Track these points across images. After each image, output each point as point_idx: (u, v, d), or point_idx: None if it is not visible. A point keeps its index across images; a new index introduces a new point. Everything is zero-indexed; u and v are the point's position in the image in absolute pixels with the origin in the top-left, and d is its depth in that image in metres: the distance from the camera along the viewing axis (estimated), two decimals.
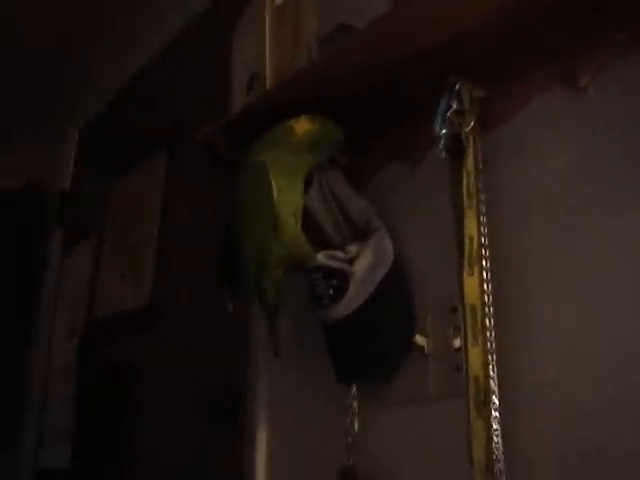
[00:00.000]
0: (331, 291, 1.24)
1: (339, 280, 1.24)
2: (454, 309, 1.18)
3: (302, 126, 1.31)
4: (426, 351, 1.24)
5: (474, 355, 1.07)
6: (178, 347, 1.94)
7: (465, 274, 1.11)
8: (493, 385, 1.05)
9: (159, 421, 1.95)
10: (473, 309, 1.09)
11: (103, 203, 2.58)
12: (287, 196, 1.25)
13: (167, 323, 2.02)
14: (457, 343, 1.16)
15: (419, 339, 1.24)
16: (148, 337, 2.08)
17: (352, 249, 1.28)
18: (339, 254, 1.27)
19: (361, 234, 1.32)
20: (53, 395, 2.57)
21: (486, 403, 1.04)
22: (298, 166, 1.29)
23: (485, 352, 1.06)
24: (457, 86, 1.16)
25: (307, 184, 1.33)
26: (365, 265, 1.26)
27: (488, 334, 1.07)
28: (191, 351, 1.88)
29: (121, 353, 2.19)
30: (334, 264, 1.25)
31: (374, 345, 1.26)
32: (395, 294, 1.28)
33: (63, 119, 3.14)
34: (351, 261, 1.26)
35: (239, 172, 1.32)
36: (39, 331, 2.78)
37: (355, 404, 1.34)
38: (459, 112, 1.16)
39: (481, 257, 1.11)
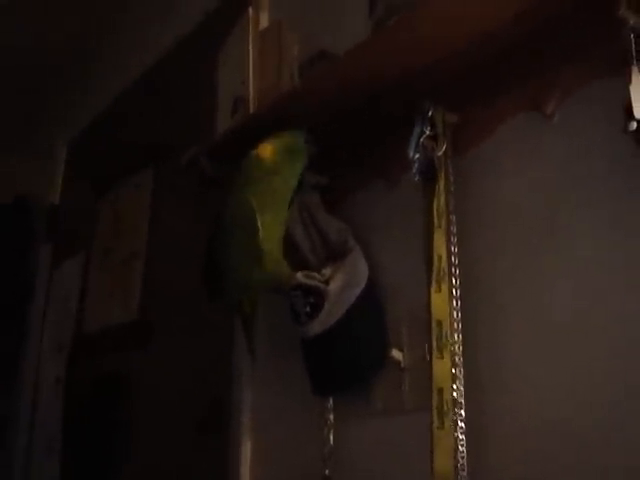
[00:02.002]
0: (308, 308, 1.29)
1: (315, 298, 1.29)
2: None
3: (265, 149, 1.35)
4: (402, 365, 1.28)
5: (438, 368, 1.12)
6: (165, 362, 1.97)
7: (433, 291, 1.16)
8: (459, 397, 1.11)
9: (147, 434, 1.98)
10: (439, 324, 1.14)
11: (92, 218, 2.60)
12: (271, 230, 1.31)
13: (154, 338, 2.05)
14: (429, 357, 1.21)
15: (395, 353, 1.29)
16: (136, 352, 2.11)
17: (327, 271, 1.34)
18: (316, 275, 1.33)
19: (337, 254, 1.37)
20: (43, 409, 2.58)
21: (448, 414, 1.09)
22: (280, 195, 1.34)
23: (451, 365, 1.12)
24: (430, 112, 1.22)
25: None
26: (340, 284, 1.31)
27: (455, 348, 1.13)
28: (178, 366, 1.91)
29: (109, 368, 2.21)
30: (311, 282, 1.31)
31: (349, 360, 1.32)
32: (369, 312, 1.33)
33: (52, 133, 3.15)
34: (327, 281, 1.31)
35: (227, 199, 1.37)
36: (28, 345, 2.79)
37: (332, 416, 1.39)
38: (432, 137, 1.21)
39: (449, 275, 1.17)
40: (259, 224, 1.28)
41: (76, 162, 2.95)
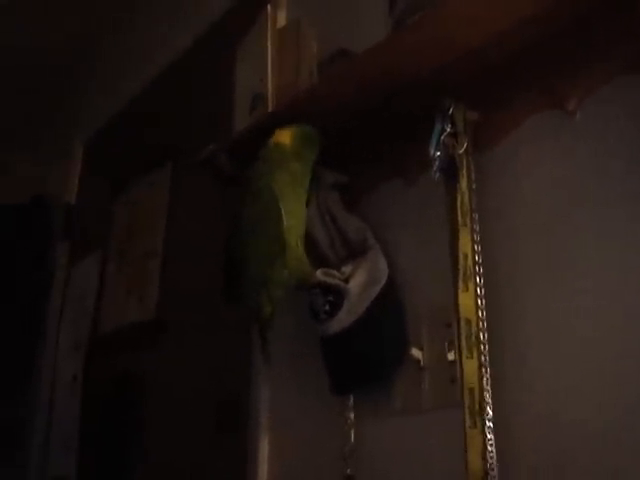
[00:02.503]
0: (327, 307, 1.29)
1: (335, 296, 1.29)
2: (449, 324, 1.22)
3: (283, 135, 1.36)
4: (422, 364, 1.28)
5: (469, 367, 1.12)
6: (182, 360, 1.97)
7: (460, 290, 1.16)
8: (487, 397, 1.10)
9: (162, 432, 1.98)
10: (468, 323, 1.13)
11: (108, 217, 2.61)
12: (294, 221, 1.30)
13: (172, 337, 2.05)
14: (451, 356, 1.21)
15: (415, 352, 1.28)
16: (153, 351, 2.11)
17: (347, 269, 1.33)
18: (335, 273, 1.33)
19: (356, 252, 1.37)
20: (60, 406, 2.59)
21: (481, 413, 1.09)
22: (299, 182, 1.34)
23: (479, 365, 1.11)
24: (451, 110, 1.21)
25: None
26: (359, 283, 1.31)
27: (482, 347, 1.12)
28: (195, 364, 1.91)
29: (126, 367, 2.21)
30: (331, 281, 1.31)
31: (368, 359, 1.32)
32: (389, 310, 1.33)
33: (68, 133, 3.16)
34: (347, 280, 1.31)
35: (245, 195, 1.37)
36: (45, 344, 2.80)
37: (352, 415, 1.38)
38: (453, 135, 1.21)
39: (475, 274, 1.16)
40: (282, 211, 1.27)
41: (93, 161, 2.96)
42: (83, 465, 2.31)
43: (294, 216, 1.30)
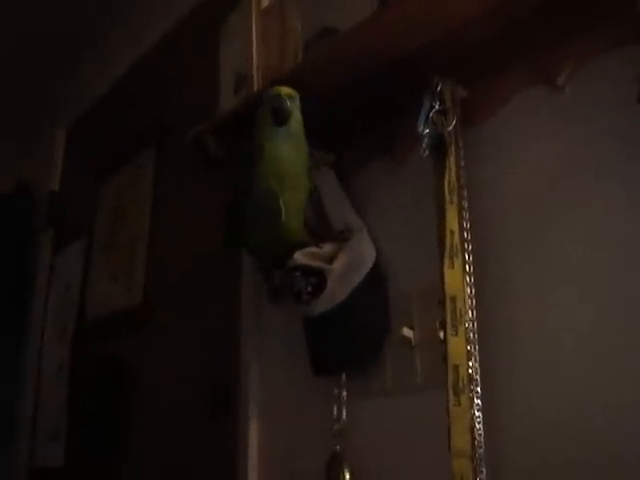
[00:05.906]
0: (310, 288, 1.28)
1: (317, 278, 1.28)
2: (440, 302, 1.21)
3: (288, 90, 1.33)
4: (413, 343, 1.27)
5: (454, 344, 1.11)
6: (170, 345, 1.96)
7: (446, 267, 1.15)
8: (474, 374, 1.09)
9: (152, 418, 1.97)
10: (453, 300, 1.12)
11: (93, 203, 2.58)
12: (291, 205, 1.31)
13: (159, 321, 2.04)
14: (443, 335, 1.19)
15: (406, 331, 1.27)
16: (140, 336, 2.10)
17: (328, 247, 1.32)
18: (315, 250, 1.32)
19: (341, 233, 1.36)
20: (46, 395, 2.57)
21: (465, 391, 1.08)
22: (302, 149, 1.34)
23: (466, 342, 1.10)
24: (439, 87, 1.20)
25: None
26: (344, 264, 1.29)
27: (469, 325, 1.11)
28: (183, 349, 1.90)
29: (114, 353, 2.19)
30: (312, 264, 1.29)
31: (351, 340, 1.32)
32: (371, 296, 1.32)
33: (50, 119, 3.13)
34: (330, 259, 1.30)
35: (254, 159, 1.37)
36: (31, 332, 2.78)
37: (344, 394, 1.37)
38: (441, 112, 1.20)
39: (462, 250, 1.15)
40: (282, 208, 1.29)
41: (76, 146, 2.93)
42: (71, 455, 2.30)
43: (291, 204, 1.31)
